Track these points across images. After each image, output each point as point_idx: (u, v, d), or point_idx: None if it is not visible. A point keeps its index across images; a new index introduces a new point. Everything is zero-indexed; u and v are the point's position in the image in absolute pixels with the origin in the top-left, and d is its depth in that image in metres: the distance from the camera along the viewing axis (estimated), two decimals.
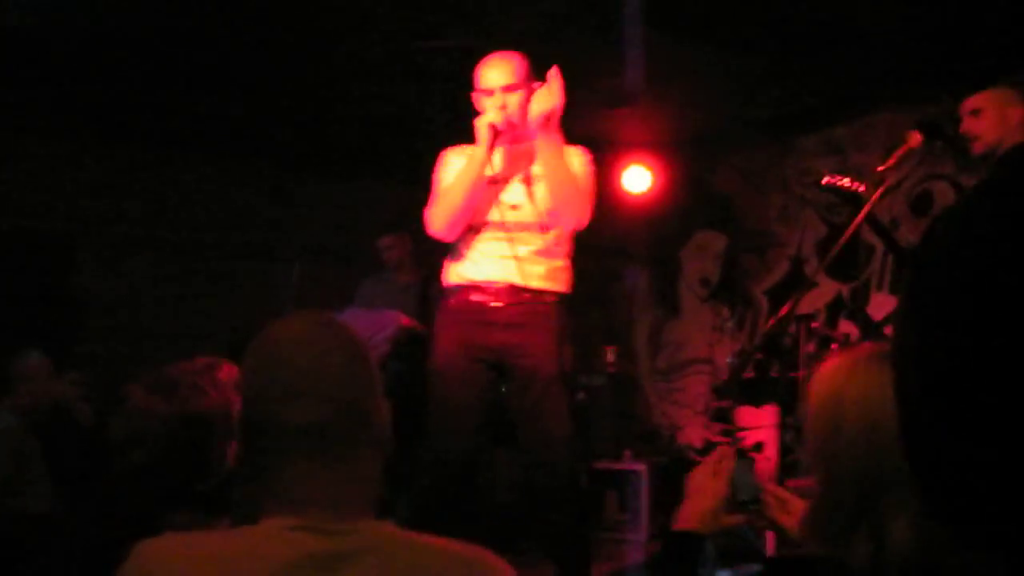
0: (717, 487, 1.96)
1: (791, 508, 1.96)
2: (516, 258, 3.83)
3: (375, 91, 6.15)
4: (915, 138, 3.96)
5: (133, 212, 7.30)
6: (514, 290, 3.83)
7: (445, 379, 3.85)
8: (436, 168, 3.98)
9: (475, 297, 3.85)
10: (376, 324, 5.28)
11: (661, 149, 7.28)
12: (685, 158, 7.57)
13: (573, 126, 5.10)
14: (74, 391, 4.94)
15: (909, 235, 6.34)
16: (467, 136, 3.89)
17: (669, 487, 6.30)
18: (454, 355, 3.84)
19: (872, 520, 1.52)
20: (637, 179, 7.27)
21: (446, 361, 3.85)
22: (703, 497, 1.96)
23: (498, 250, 3.85)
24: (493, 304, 3.83)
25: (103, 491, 2.43)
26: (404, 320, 5.55)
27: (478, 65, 3.93)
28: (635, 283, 8.39)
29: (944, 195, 6.17)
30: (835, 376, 1.64)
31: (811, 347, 5.00)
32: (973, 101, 3.78)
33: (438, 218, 3.84)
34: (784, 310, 3.69)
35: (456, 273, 3.91)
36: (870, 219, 4.07)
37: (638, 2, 4.70)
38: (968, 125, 3.79)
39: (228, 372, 2.36)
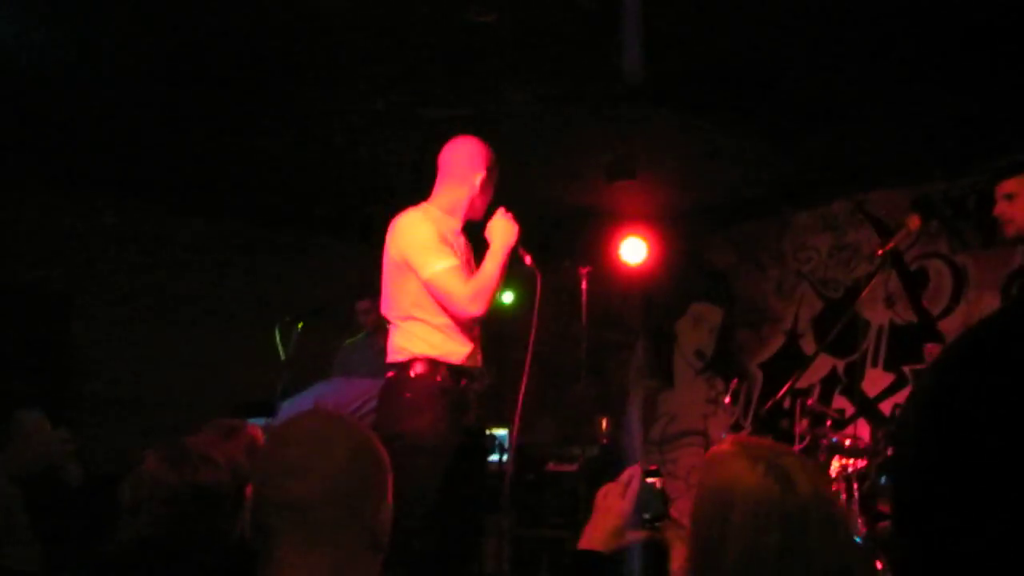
0: (623, 506, 1.99)
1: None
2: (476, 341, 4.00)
3: (363, 155, 6.22)
4: (914, 221, 4.02)
5: (131, 268, 7.35)
6: (480, 372, 4.00)
7: (442, 454, 3.81)
8: (414, 234, 3.91)
9: (461, 377, 3.91)
10: (367, 392, 5.20)
11: (658, 222, 7.34)
12: (682, 231, 7.63)
13: (572, 197, 5.17)
14: (63, 449, 4.88)
15: (904, 313, 6.38)
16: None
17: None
18: (435, 431, 3.81)
19: None
20: (634, 250, 7.31)
21: (433, 437, 3.80)
22: (609, 516, 1.99)
23: (473, 335, 3.97)
24: (472, 386, 3.95)
25: (107, 559, 2.40)
26: None
27: (491, 156, 4.09)
28: (630, 355, 8.41)
29: (939, 273, 6.21)
30: (720, 481, 1.61)
31: (805, 423, 4.99)
32: (1008, 185, 3.78)
33: (483, 302, 3.84)
34: (781, 393, 3.71)
35: (446, 352, 3.90)
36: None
37: (639, 77, 4.77)
38: (1002, 208, 3.79)
39: (245, 440, 2.36)
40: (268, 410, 4.89)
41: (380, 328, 6.15)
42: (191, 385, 7.01)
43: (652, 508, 2.02)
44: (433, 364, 3.86)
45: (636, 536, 1.99)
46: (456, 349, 3.90)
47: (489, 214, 4.05)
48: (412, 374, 3.85)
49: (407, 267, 3.84)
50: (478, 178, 4.02)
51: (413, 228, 3.90)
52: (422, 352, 3.86)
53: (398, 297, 3.93)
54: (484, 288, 3.85)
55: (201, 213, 7.50)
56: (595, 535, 1.97)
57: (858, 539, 4.19)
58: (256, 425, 3.09)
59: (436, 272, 3.80)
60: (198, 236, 7.66)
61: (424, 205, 4.03)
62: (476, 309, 3.83)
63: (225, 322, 7.60)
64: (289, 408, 4.86)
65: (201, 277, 7.64)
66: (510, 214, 4.00)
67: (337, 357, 6.29)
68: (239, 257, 7.83)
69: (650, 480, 2.04)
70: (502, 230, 3.96)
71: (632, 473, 2.05)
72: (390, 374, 3.93)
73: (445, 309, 3.84)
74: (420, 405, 3.81)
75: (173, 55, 4.78)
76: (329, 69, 4.92)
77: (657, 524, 2.02)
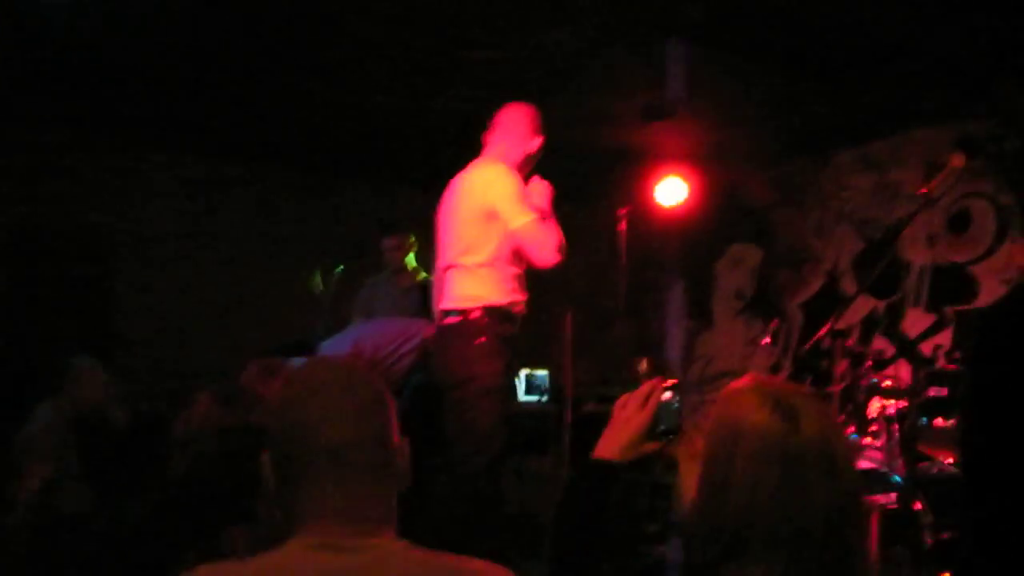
0: (642, 418, 2.01)
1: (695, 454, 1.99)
2: None
3: (401, 98, 6.21)
4: (958, 159, 3.96)
5: (175, 218, 7.43)
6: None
7: (503, 396, 4.13)
8: (504, 186, 4.13)
9: (515, 323, 4.21)
10: (404, 333, 5.22)
11: (697, 162, 7.28)
12: (721, 171, 7.57)
13: (610, 137, 5.15)
14: (109, 392, 5.00)
15: (946, 252, 6.31)
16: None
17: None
18: (503, 374, 4.14)
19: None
20: (672, 191, 7.25)
21: (501, 379, 4.13)
22: (627, 428, 2.01)
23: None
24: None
25: (157, 502, 2.49)
26: (429, 330, 5.52)
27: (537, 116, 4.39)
28: (669, 296, 8.40)
29: (982, 213, 6.13)
30: (732, 418, 1.65)
31: (845, 364, 4.98)
32: None
33: (562, 253, 4.14)
34: (821, 333, 3.70)
35: (513, 301, 4.19)
36: None
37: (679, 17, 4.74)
38: None
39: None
40: (307, 349, 4.96)
41: (404, 268, 6.20)
42: (231, 327, 7.12)
43: (667, 421, 2.04)
44: (501, 312, 4.12)
45: (649, 447, 2.03)
46: (518, 298, 4.19)
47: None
48: (485, 320, 4.08)
49: (494, 216, 4.05)
50: (536, 143, 4.34)
51: (503, 180, 4.11)
52: (494, 299, 4.11)
53: (479, 245, 4.12)
54: (561, 241, 4.12)
55: (241, 156, 7.53)
56: (611, 445, 2.00)
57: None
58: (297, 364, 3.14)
59: (526, 223, 4.04)
60: (238, 179, 7.70)
61: (494, 160, 4.26)
62: (558, 258, 4.11)
63: (265, 264, 7.66)
64: (329, 348, 4.93)
65: (242, 219, 7.69)
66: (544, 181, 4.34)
67: (359, 295, 6.26)
68: (280, 199, 7.87)
69: (667, 395, 2.06)
70: (540, 192, 4.26)
71: (653, 385, 2.07)
72: (453, 320, 4.13)
73: (525, 258, 4.12)
74: (493, 350, 4.07)
75: None
76: (368, 11, 4.90)
77: (670, 437, 2.05)
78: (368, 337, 5.05)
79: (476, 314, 4.08)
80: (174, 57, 5.45)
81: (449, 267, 4.20)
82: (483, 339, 4.06)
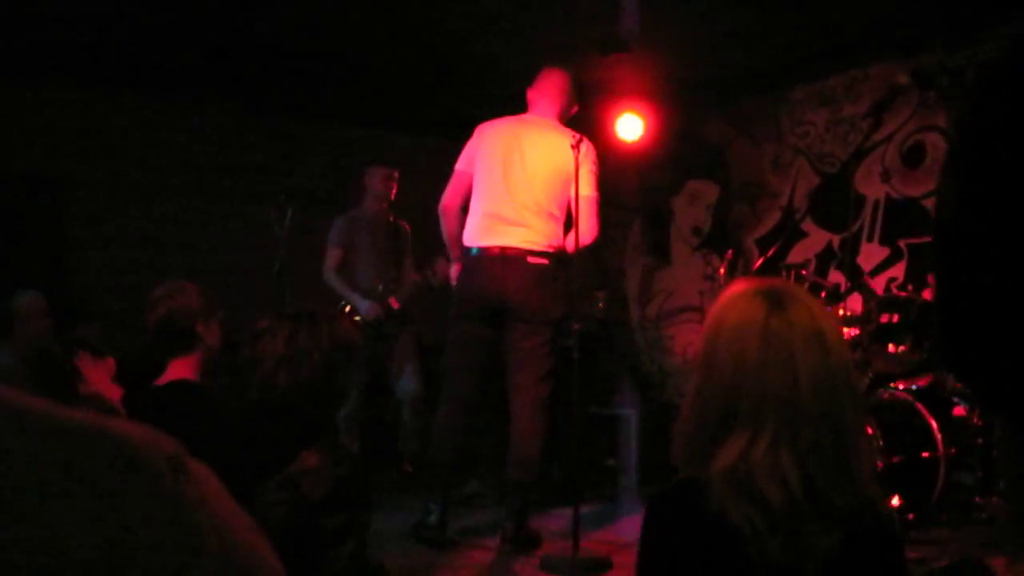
0: None
1: None
2: None
3: (378, 43, 6.13)
4: (902, 78, 4.02)
5: (129, 157, 7.33)
6: None
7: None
8: (597, 162, 4.93)
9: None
10: None
11: (654, 98, 7.26)
12: (678, 107, 7.57)
13: (567, 70, 5.12)
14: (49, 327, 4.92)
15: (902, 187, 6.37)
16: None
17: (660, 433, 6.37)
18: None
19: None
20: (630, 127, 7.25)
21: None
22: None
23: None
24: None
25: (238, 423, 2.62)
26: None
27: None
28: (627, 232, 8.43)
29: (936, 147, 6.18)
30: (719, 308, 1.76)
31: None
32: None
33: (596, 234, 4.99)
34: (770, 253, 3.74)
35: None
36: None
37: None
38: None
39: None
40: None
41: (390, 201, 6.20)
42: (189, 271, 7.06)
43: None
44: (564, 261, 4.88)
45: None
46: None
47: None
48: (557, 266, 4.81)
49: (574, 179, 4.56)
50: (574, 111, 5.10)
51: (592, 154, 4.83)
52: (565, 249, 4.84)
53: (563, 200, 4.81)
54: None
55: (192, 103, 7.43)
56: None
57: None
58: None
59: (597, 197, 4.85)
60: (189, 126, 7.60)
61: (557, 123, 4.94)
62: (597, 238, 4.96)
63: (217, 207, 7.60)
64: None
65: (192, 165, 7.60)
66: None
67: (335, 228, 6.23)
68: (229, 144, 7.78)
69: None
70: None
71: None
72: (541, 261, 4.72)
73: (576, 225, 4.67)
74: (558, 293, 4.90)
75: None
76: None
77: None
78: None
79: (555, 260, 4.78)
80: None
81: (542, 212, 4.74)
82: (559, 281, 4.85)
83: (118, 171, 7.26)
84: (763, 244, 7.31)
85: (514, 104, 5.01)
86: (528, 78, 5.02)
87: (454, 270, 5.00)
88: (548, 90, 4.96)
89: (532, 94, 5.00)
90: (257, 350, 2.45)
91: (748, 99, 7.46)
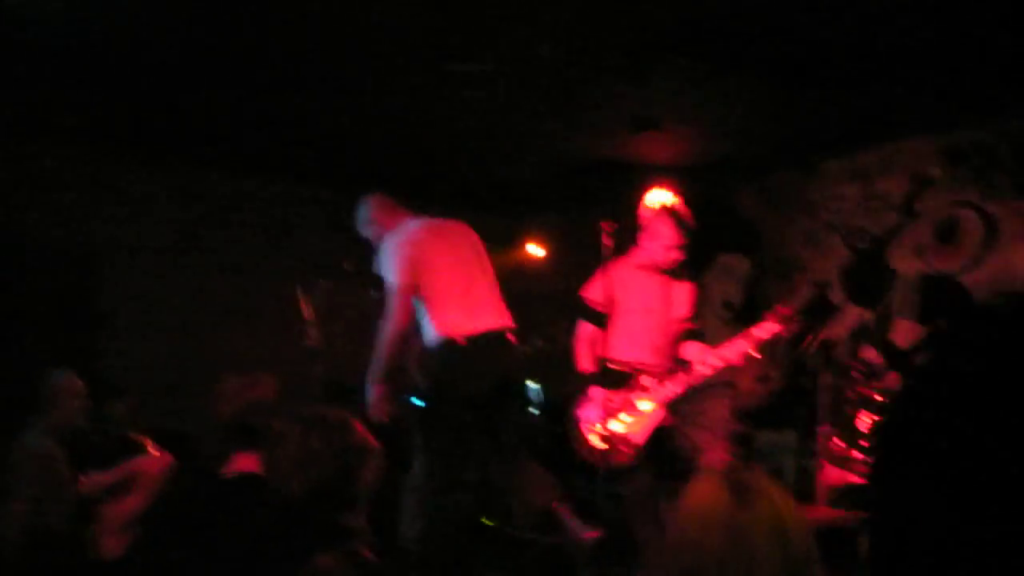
0: None
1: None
2: None
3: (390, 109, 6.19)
4: (936, 171, 4.02)
5: (162, 230, 7.39)
6: None
7: None
8: None
9: None
10: None
11: (685, 172, 7.27)
12: (709, 182, 7.57)
13: (598, 149, 5.14)
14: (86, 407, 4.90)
15: (935, 263, 6.31)
16: None
17: None
18: None
19: None
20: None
21: None
22: None
23: None
24: None
25: (252, 529, 2.58)
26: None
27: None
28: None
29: (970, 222, 6.14)
30: (689, 495, 1.78)
31: (830, 375, 4.99)
32: None
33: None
34: (805, 343, 3.71)
35: None
36: None
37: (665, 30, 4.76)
38: None
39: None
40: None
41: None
42: (222, 341, 7.10)
43: None
44: None
45: None
46: None
47: None
48: None
49: None
50: None
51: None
52: None
53: None
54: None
55: (225, 170, 7.52)
56: None
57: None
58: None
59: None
60: (232, 191, 7.69)
61: None
62: None
63: (258, 277, 7.62)
64: None
65: (234, 231, 7.66)
66: None
67: None
68: (277, 212, 7.87)
69: None
70: None
71: None
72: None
73: None
74: None
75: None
76: (355, 24, 4.88)
77: None
78: None
79: None
80: (163, 67, 5.43)
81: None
82: None
83: (146, 238, 7.34)
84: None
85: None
86: (566, 157, 4.98)
87: None
88: None
89: None
90: (274, 455, 2.42)
91: (780, 173, 7.45)
